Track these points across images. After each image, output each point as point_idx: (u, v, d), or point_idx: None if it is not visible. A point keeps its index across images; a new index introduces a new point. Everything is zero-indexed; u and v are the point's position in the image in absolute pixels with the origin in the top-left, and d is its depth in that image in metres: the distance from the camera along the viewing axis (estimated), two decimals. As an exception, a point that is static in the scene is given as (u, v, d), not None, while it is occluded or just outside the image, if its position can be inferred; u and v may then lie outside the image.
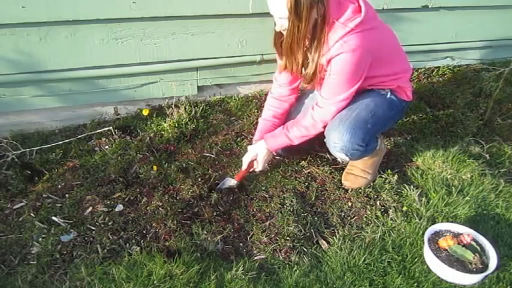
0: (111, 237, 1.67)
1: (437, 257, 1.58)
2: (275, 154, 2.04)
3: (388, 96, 1.77)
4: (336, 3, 1.52)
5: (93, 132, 2.19)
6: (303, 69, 1.67)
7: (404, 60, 1.80)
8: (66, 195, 1.86)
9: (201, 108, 2.37)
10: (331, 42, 1.52)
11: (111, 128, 2.17)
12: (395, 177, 1.99)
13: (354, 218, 1.82)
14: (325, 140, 1.76)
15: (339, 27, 1.50)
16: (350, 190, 1.95)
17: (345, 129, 1.66)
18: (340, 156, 1.77)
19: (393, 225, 1.78)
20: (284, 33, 1.56)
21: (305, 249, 1.67)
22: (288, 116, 1.96)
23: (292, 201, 1.85)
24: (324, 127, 1.72)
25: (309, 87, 1.78)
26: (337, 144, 1.70)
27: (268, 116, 1.93)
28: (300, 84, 1.88)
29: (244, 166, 1.88)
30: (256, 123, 2.02)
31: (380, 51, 1.61)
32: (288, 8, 1.44)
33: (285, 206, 1.83)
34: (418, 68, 2.84)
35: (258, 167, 1.89)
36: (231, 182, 1.91)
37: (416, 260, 1.63)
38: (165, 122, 2.27)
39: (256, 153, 1.86)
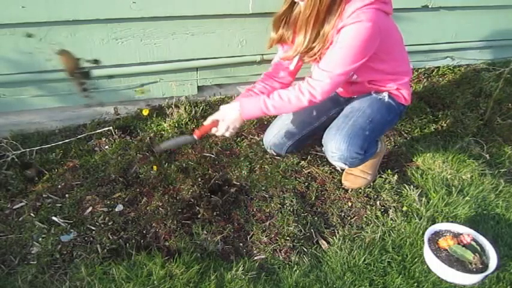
0: (111, 237, 1.67)
1: (437, 257, 1.58)
2: (275, 154, 2.04)
3: (386, 100, 1.76)
4: None
5: (93, 132, 2.19)
6: (311, 43, 1.56)
7: (406, 62, 1.79)
8: (66, 195, 1.86)
9: (201, 108, 2.36)
10: (346, 13, 1.47)
11: (111, 128, 2.17)
12: (395, 177, 1.99)
13: (354, 218, 1.82)
14: (323, 149, 1.75)
15: (357, 0, 1.46)
16: (350, 190, 1.95)
17: (342, 138, 1.65)
18: (339, 165, 1.75)
19: (393, 225, 1.78)
20: (302, 4, 1.50)
21: (305, 249, 1.67)
22: None
23: (292, 201, 1.85)
24: (310, 102, 1.58)
25: (311, 61, 1.70)
26: (335, 153, 1.68)
27: (254, 88, 1.82)
28: (298, 69, 1.79)
29: (207, 122, 1.71)
30: (257, 123, 2.02)
31: (387, 39, 1.58)
32: None
33: (285, 206, 1.83)
34: (418, 68, 2.84)
35: (220, 129, 1.67)
36: (189, 138, 1.74)
37: (416, 260, 1.63)
38: (165, 122, 2.27)
39: (225, 115, 1.67)
